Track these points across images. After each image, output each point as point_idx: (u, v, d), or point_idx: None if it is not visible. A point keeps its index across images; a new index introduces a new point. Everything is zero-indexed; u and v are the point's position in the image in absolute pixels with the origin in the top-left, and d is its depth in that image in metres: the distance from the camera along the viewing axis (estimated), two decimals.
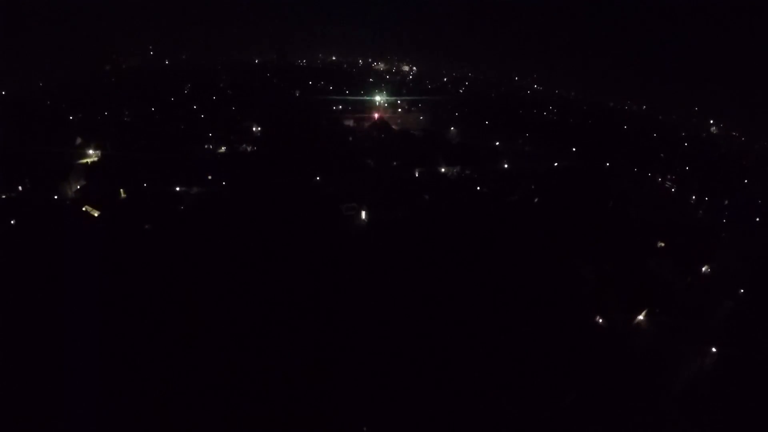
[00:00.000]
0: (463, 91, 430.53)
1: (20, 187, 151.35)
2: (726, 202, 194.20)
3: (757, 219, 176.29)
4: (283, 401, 73.50)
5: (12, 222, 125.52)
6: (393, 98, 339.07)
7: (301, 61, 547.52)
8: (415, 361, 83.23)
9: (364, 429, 72.03)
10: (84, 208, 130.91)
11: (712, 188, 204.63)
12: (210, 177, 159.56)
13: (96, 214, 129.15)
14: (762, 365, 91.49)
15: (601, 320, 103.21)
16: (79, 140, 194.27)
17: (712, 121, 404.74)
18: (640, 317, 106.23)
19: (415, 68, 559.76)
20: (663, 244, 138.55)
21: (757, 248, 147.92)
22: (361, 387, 77.51)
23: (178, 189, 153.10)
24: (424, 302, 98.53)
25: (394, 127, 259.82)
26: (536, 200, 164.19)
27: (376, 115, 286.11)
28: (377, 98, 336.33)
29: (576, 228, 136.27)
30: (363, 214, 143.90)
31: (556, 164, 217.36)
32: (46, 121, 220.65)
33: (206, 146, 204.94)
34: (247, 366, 78.60)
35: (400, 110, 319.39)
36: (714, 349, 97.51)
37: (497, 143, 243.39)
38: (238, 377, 76.46)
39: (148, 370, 76.36)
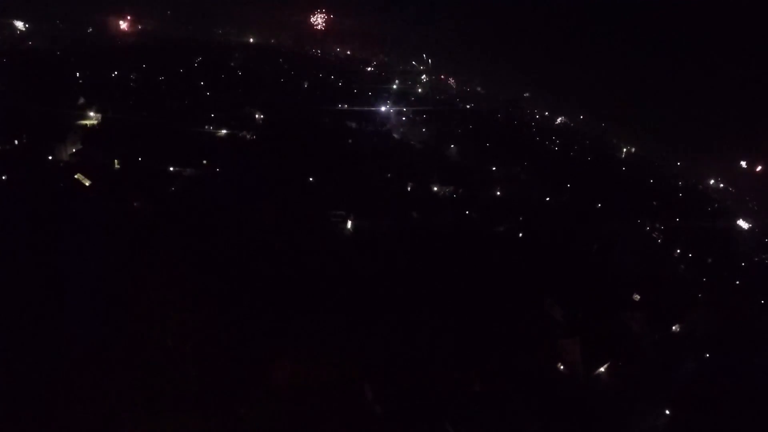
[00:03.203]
0: (470, 107, 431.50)
1: (16, 141, 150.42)
2: (709, 260, 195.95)
3: (737, 282, 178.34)
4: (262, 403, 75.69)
5: (3, 178, 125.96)
6: (399, 105, 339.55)
7: (316, 51, 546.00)
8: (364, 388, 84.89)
9: None
10: (76, 176, 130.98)
11: (697, 245, 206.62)
12: (205, 161, 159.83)
13: (87, 184, 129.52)
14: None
15: (561, 367, 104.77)
16: (81, 100, 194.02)
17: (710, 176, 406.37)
18: (602, 369, 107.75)
19: (426, 77, 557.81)
20: (638, 297, 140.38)
21: (730, 312, 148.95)
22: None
23: (171, 169, 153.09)
24: (390, 324, 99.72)
25: (395, 135, 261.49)
26: (521, 234, 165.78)
27: (380, 120, 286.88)
28: (384, 102, 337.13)
29: (555, 270, 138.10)
30: (349, 224, 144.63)
31: (548, 198, 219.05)
32: (52, 76, 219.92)
33: (206, 127, 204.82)
34: (227, 364, 80.00)
35: (404, 118, 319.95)
36: (668, 411, 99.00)
37: (494, 168, 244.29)
38: (218, 374, 77.78)
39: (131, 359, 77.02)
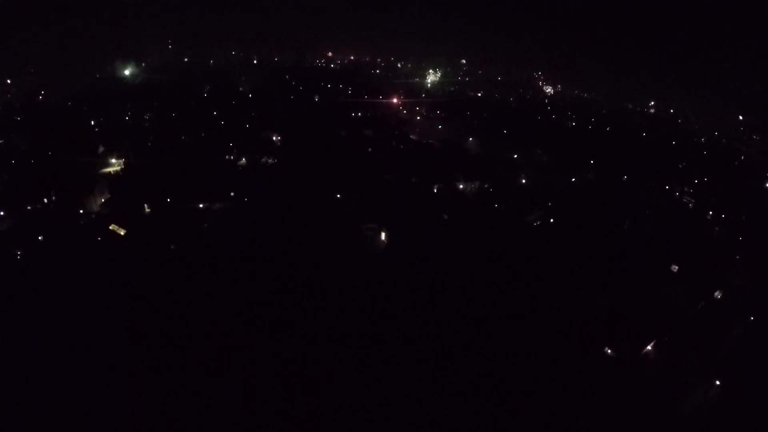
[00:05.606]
0: (482, 94, 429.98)
1: (45, 200, 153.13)
2: (743, 218, 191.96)
3: None
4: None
5: (40, 238, 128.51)
6: (411, 104, 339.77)
7: (320, 62, 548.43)
8: (423, 383, 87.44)
9: None
10: (111, 227, 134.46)
11: (728, 203, 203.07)
12: (232, 193, 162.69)
13: (122, 233, 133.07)
14: (764, 399, 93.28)
15: (609, 351, 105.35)
16: (101, 149, 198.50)
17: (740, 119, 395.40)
18: (649, 347, 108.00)
19: (434, 70, 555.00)
20: (677, 268, 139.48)
21: None
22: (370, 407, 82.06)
23: (201, 205, 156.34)
24: (436, 326, 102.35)
25: (412, 136, 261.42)
26: (552, 221, 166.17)
27: (395, 123, 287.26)
28: (395, 103, 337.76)
29: (591, 252, 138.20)
30: (383, 235, 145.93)
31: (573, 179, 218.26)
32: (69, 128, 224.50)
33: (227, 157, 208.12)
34: (265, 382, 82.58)
35: (418, 117, 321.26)
36: (717, 382, 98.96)
37: (515, 155, 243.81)
38: (256, 395, 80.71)
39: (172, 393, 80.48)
